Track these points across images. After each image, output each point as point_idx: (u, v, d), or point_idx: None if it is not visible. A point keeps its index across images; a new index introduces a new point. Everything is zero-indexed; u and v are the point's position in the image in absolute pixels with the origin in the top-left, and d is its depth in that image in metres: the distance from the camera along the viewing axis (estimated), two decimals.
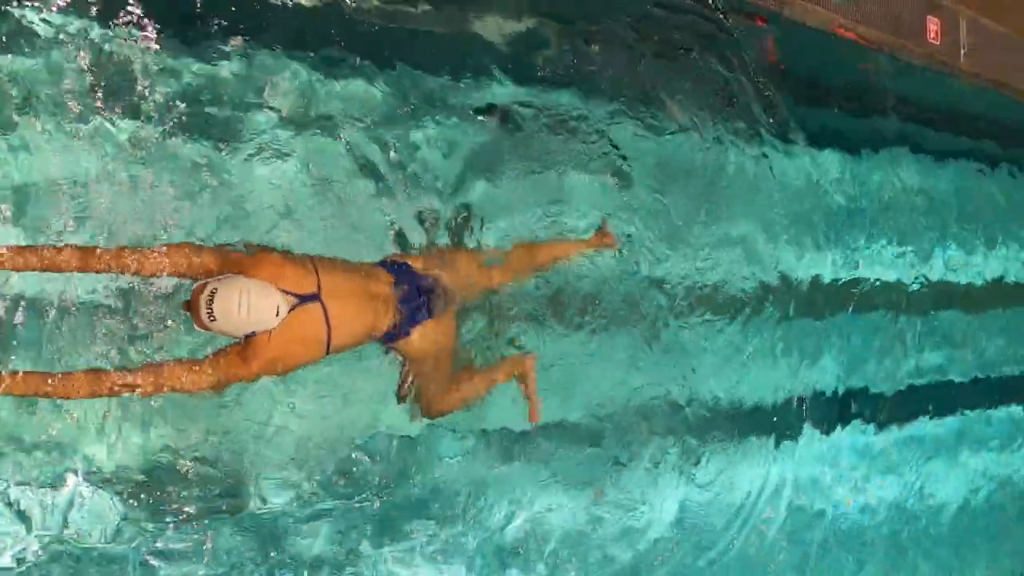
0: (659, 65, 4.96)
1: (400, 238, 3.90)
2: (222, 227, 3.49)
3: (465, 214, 4.14)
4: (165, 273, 3.16)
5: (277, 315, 3.11)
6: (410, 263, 3.66)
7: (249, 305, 3.03)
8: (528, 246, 4.22)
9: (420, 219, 3.98)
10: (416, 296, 3.59)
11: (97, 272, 3.10)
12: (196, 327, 3.17)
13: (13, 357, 3.14)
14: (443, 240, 4.03)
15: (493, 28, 4.42)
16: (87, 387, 3.04)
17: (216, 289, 3.04)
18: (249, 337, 3.15)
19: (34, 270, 3.02)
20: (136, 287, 3.31)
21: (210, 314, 3.03)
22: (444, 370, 3.82)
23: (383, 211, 3.89)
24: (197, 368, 3.15)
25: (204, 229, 3.45)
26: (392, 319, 3.53)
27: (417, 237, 3.94)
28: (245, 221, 3.56)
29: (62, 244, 3.08)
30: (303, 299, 3.23)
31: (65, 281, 3.22)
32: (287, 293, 3.19)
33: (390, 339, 3.60)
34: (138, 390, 3.09)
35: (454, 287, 3.74)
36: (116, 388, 3.07)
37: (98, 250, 3.09)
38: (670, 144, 4.94)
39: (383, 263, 3.63)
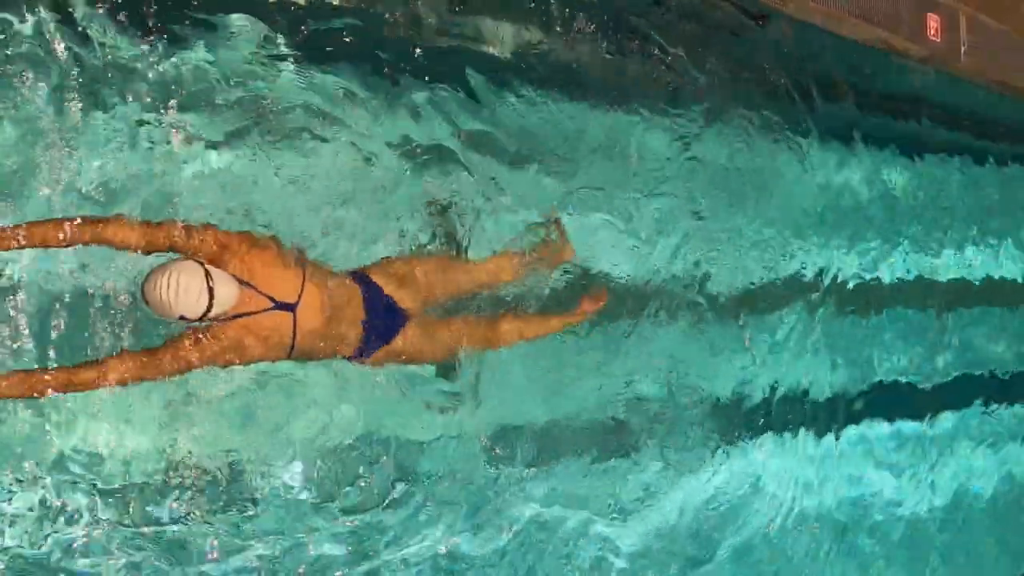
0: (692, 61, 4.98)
1: (378, 247, 3.84)
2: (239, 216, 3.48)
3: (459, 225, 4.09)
4: (158, 247, 3.12)
5: (210, 299, 3.05)
6: (378, 278, 3.61)
7: (173, 287, 3.00)
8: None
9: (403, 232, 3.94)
10: (381, 317, 3.57)
11: (88, 244, 3.06)
12: None
13: None
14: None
15: (509, 30, 4.41)
16: (50, 384, 2.99)
17: (149, 272, 3.05)
18: (212, 324, 3.14)
19: (15, 248, 2.98)
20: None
21: (143, 296, 3.05)
22: (436, 349, 3.82)
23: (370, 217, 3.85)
24: (153, 355, 3.11)
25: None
26: (358, 339, 3.52)
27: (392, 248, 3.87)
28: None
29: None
30: (279, 306, 3.23)
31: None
32: (263, 295, 3.20)
33: (357, 356, 3.59)
34: (102, 383, 3.05)
35: (417, 305, 3.70)
36: (78, 383, 3.02)
37: (85, 220, 3.05)
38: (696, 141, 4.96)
39: (356, 276, 3.59)
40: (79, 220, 3.03)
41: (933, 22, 6.24)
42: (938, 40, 6.26)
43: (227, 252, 3.16)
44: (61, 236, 2.99)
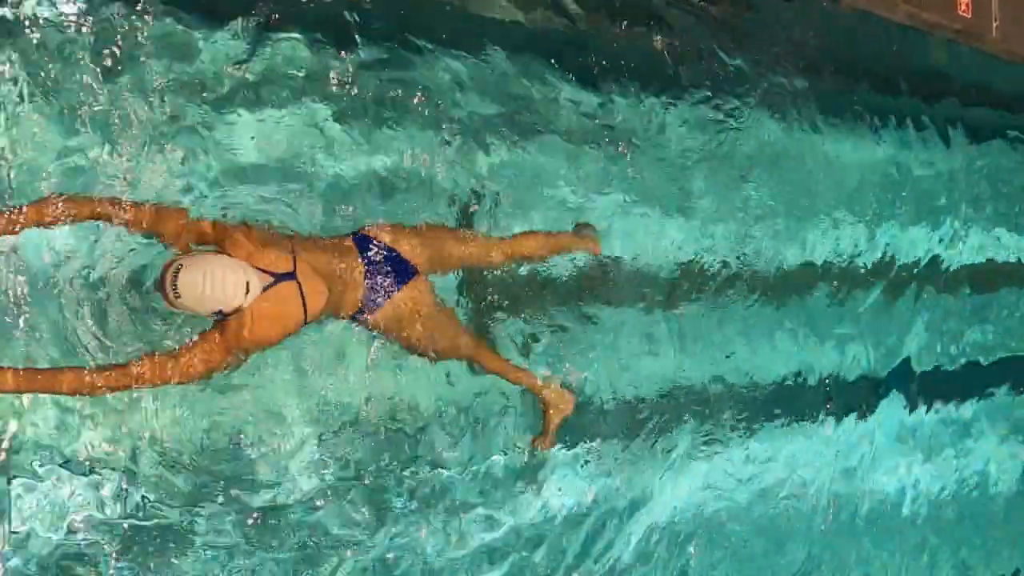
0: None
1: (377, 208, 3.85)
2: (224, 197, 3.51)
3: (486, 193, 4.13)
4: (147, 228, 3.17)
5: (246, 293, 3.10)
6: (379, 236, 3.64)
7: (214, 281, 3.02)
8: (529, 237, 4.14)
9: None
10: (382, 271, 3.59)
11: (86, 220, 3.11)
12: (166, 305, 3.14)
13: None
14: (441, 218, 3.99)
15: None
16: (70, 385, 3.03)
17: (182, 265, 3.04)
18: (228, 317, 3.16)
19: (22, 228, 3.01)
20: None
21: (175, 290, 3.02)
22: (436, 332, 3.80)
23: (368, 178, 3.86)
24: (178, 357, 3.14)
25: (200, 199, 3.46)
26: (359, 294, 3.55)
27: (395, 208, 3.88)
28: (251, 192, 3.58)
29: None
30: (279, 277, 3.26)
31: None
32: (264, 271, 3.22)
33: (357, 316, 3.62)
34: (124, 387, 3.10)
35: (426, 261, 3.71)
36: (99, 387, 3.06)
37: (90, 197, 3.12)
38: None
39: (355, 236, 3.63)
40: (103, 198, 3.11)
41: None
42: (969, 16, 6.12)
43: (227, 239, 3.20)
44: (88, 211, 3.07)
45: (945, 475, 6.15)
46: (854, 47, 5.63)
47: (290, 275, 3.29)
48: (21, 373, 3.01)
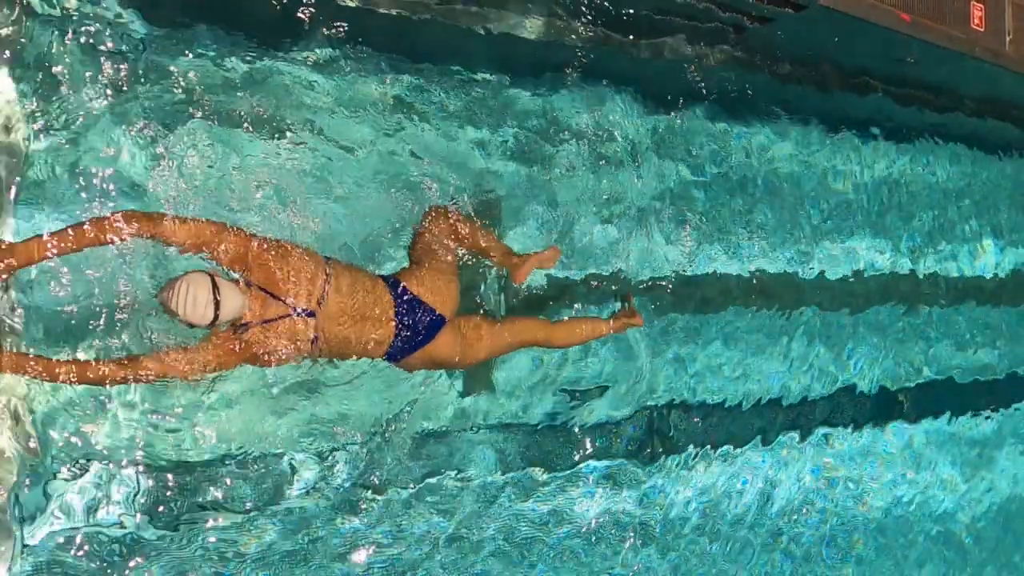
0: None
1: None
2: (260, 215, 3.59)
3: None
4: (191, 246, 3.20)
5: (215, 315, 3.10)
6: (411, 285, 3.63)
7: (185, 298, 3.06)
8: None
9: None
10: (414, 320, 3.59)
11: (144, 237, 3.15)
12: None
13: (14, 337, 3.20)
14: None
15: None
16: (82, 374, 3.08)
17: (168, 281, 3.14)
18: (240, 329, 3.22)
19: (83, 248, 3.08)
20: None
21: (161, 305, 3.15)
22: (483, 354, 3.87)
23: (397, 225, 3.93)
24: (185, 355, 3.19)
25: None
26: (389, 339, 3.56)
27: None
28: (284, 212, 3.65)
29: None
30: (300, 312, 3.30)
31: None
32: (284, 302, 3.26)
33: (392, 358, 3.66)
34: (131, 380, 3.15)
35: (455, 310, 3.73)
36: (109, 377, 3.12)
37: (127, 214, 3.14)
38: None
39: (389, 281, 3.62)
40: (121, 214, 3.11)
41: (977, 10, 6.07)
42: (982, 29, 6.09)
43: (251, 258, 3.23)
44: (105, 235, 3.07)
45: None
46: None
47: (310, 313, 3.33)
48: (25, 358, 3.08)
